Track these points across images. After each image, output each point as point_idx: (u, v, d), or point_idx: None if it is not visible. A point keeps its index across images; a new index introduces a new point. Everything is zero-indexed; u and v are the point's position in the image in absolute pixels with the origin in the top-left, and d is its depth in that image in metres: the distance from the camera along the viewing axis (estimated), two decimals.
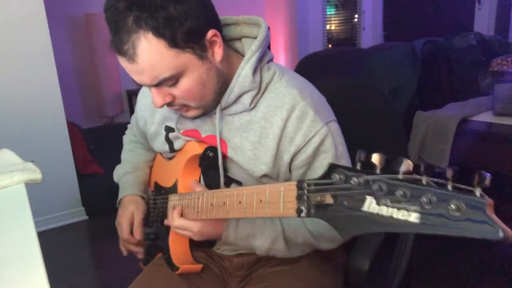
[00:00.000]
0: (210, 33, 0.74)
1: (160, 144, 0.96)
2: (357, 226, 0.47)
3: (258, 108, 0.82)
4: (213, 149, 0.85)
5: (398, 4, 4.52)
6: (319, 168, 0.81)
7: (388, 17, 4.61)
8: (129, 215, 0.99)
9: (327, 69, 2.40)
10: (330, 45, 4.68)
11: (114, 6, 0.69)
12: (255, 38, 0.82)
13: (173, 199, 0.91)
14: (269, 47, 0.84)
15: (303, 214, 0.55)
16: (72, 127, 2.71)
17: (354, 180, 0.47)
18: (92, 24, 3.73)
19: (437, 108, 1.82)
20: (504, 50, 2.38)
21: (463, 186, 0.40)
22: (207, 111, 0.83)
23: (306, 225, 0.84)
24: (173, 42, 0.70)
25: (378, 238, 0.94)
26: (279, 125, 0.79)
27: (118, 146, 1.16)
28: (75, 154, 2.58)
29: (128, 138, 1.16)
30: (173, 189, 0.93)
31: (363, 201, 0.46)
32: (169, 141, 0.94)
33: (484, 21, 3.66)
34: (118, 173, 1.09)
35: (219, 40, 0.75)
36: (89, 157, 2.93)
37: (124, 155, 1.13)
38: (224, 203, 0.73)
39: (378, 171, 0.46)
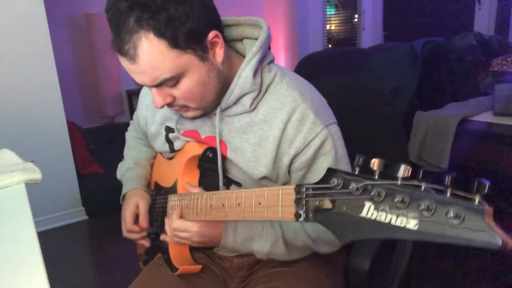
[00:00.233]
0: (212, 34, 0.73)
1: (160, 144, 0.96)
2: (356, 232, 0.47)
3: (258, 110, 0.82)
4: (213, 150, 0.85)
5: (398, 4, 4.52)
6: (319, 170, 0.81)
7: (388, 17, 4.61)
8: (133, 206, 0.99)
9: (327, 69, 2.40)
10: (330, 45, 4.68)
11: (116, 6, 0.68)
12: (256, 39, 0.81)
13: (172, 199, 0.91)
14: (269, 48, 0.84)
15: (301, 219, 0.55)
16: (72, 127, 2.71)
17: (353, 185, 0.47)
18: (92, 24, 3.73)
19: (437, 108, 1.82)
20: (504, 50, 2.38)
21: (462, 193, 0.40)
22: (207, 112, 0.83)
23: (305, 228, 0.84)
24: (174, 43, 0.69)
25: (378, 239, 0.94)
26: (279, 127, 0.79)
27: (118, 146, 1.16)
28: (75, 154, 2.58)
29: (130, 134, 1.16)
30: (173, 189, 0.93)
31: (362, 206, 0.46)
32: (169, 141, 0.94)
33: (484, 21, 3.66)
34: (121, 170, 1.09)
35: (220, 41, 0.75)
36: (89, 157, 2.93)
37: (127, 151, 1.14)
38: (223, 205, 0.73)
39: (376, 176, 0.46)
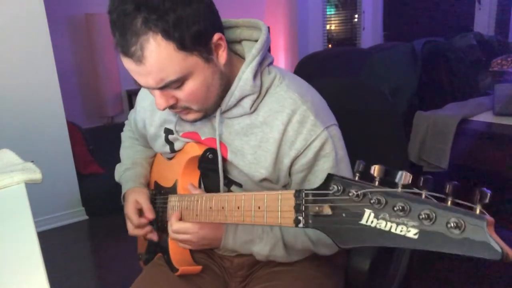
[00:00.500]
0: (216, 36, 0.74)
1: (160, 146, 0.96)
2: (356, 239, 0.47)
3: (258, 112, 0.82)
4: (213, 151, 0.85)
5: (398, 4, 4.52)
6: (319, 172, 0.81)
7: (388, 17, 4.61)
8: (133, 203, 0.98)
9: (327, 69, 2.40)
10: (330, 45, 4.68)
11: (121, 7, 0.68)
12: (255, 41, 0.82)
13: (172, 200, 0.91)
14: (268, 48, 0.84)
15: (300, 225, 0.55)
16: (72, 127, 2.70)
17: (353, 191, 0.47)
18: (92, 24, 3.73)
19: (437, 108, 1.82)
20: (504, 50, 2.39)
21: (463, 202, 0.40)
22: (207, 114, 0.83)
23: (305, 230, 0.84)
24: (182, 45, 0.69)
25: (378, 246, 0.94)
26: (280, 129, 0.79)
27: (118, 146, 1.16)
28: (75, 154, 2.58)
29: (126, 134, 1.15)
30: (173, 190, 0.93)
31: (362, 214, 0.46)
32: (169, 142, 0.94)
33: (484, 21, 3.66)
34: (119, 171, 1.09)
35: (223, 43, 0.75)
36: (89, 157, 2.93)
37: (123, 152, 1.13)
38: (222, 207, 0.73)
39: (377, 182, 0.46)
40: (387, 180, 0.45)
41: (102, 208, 2.58)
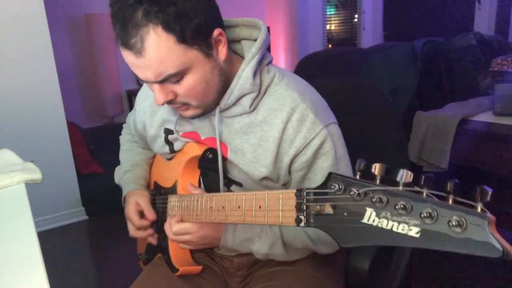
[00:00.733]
0: (216, 31, 0.74)
1: (160, 146, 0.96)
2: (357, 238, 0.47)
3: (258, 110, 0.82)
4: (213, 150, 0.85)
5: (398, 4, 4.53)
6: (319, 170, 0.81)
7: (388, 17, 4.61)
8: (134, 205, 0.99)
9: (327, 69, 2.40)
10: (330, 45, 4.68)
11: (122, 0, 0.68)
12: (254, 40, 0.82)
13: (172, 200, 0.91)
14: (268, 48, 0.85)
15: (302, 224, 0.55)
16: (72, 127, 2.71)
17: (354, 190, 0.47)
18: (92, 24, 3.74)
19: (437, 108, 1.82)
20: (504, 50, 2.39)
21: (464, 200, 0.40)
22: (206, 111, 0.83)
23: (305, 229, 0.84)
24: (182, 38, 0.69)
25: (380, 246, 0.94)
26: (279, 127, 0.79)
27: (118, 146, 1.16)
28: (75, 154, 2.58)
29: (125, 138, 1.15)
30: (173, 190, 0.93)
31: (363, 213, 0.46)
32: (169, 142, 0.94)
33: (484, 21, 3.66)
34: (119, 174, 1.09)
35: (224, 39, 0.75)
36: (89, 157, 2.93)
37: (122, 155, 1.13)
38: (223, 207, 0.73)
39: (378, 181, 0.46)
40: (388, 178, 0.45)
41: (102, 208, 2.58)
